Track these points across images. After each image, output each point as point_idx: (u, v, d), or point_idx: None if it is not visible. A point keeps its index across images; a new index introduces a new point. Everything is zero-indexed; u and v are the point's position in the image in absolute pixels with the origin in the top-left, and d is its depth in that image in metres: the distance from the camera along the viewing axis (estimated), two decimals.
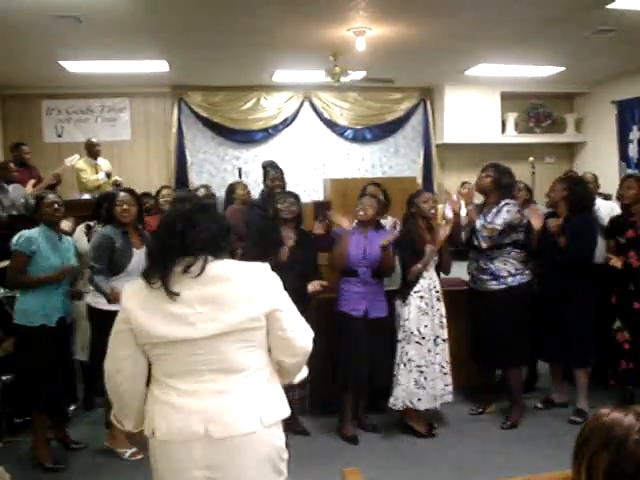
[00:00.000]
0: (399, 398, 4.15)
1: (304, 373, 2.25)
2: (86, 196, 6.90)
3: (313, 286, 4.10)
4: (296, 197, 4.36)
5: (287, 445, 2.11)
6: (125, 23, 5.64)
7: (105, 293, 3.92)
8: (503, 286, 4.32)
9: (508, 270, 4.32)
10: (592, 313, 4.44)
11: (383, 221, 4.53)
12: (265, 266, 2.07)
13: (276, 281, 2.06)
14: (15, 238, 3.88)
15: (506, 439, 4.23)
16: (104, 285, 3.93)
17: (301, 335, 2.08)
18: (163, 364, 1.98)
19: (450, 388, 4.26)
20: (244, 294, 1.95)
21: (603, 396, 4.58)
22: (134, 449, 4.10)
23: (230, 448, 1.92)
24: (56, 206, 3.99)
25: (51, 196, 4.06)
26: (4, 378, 4.31)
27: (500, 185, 4.41)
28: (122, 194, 4.13)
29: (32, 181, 7.04)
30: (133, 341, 1.98)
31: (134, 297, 2.00)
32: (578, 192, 4.49)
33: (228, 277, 1.97)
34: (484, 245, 4.29)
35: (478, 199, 4.69)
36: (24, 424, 4.29)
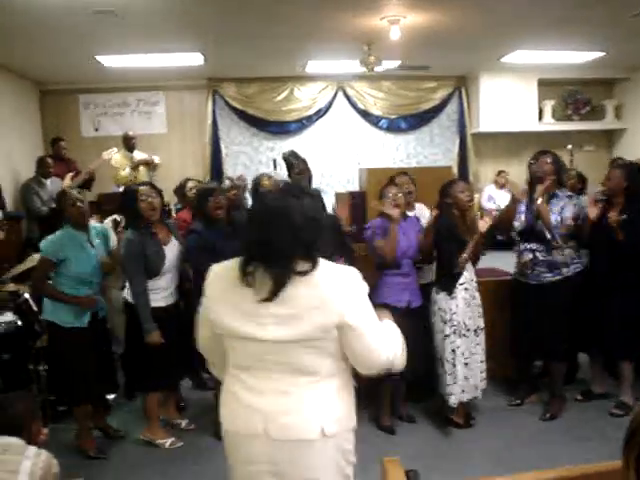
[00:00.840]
0: (457, 394, 4.07)
1: (403, 360, 2.07)
2: (122, 189, 7.02)
3: None
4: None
5: None
6: (160, 16, 5.69)
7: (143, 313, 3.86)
8: (558, 277, 4.24)
9: (565, 261, 4.25)
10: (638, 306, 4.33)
11: (417, 209, 4.53)
12: (352, 272, 1.93)
13: (358, 291, 1.91)
14: (43, 243, 3.85)
15: (545, 431, 4.18)
16: (145, 306, 3.86)
17: (372, 354, 1.93)
18: (234, 355, 1.98)
19: (484, 375, 4.21)
20: (319, 300, 1.85)
21: None
22: (173, 438, 4.17)
23: (289, 450, 1.90)
24: (79, 204, 3.87)
25: (74, 195, 3.93)
26: (46, 367, 4.41)
27: (558, 174, 4.31)
28: (143, 187, 3.98)
29: (70, 174, 7.20)
30: (210, 325, 1.99)
31: (216, 283, 1.98)
32: (638, 181, 4.31)
33: (311, 282, 1.86)
34: (560, 241, 4.18)
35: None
36: (67, 412, 4.37)
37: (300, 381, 1.90)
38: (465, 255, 4.04)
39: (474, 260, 4.29)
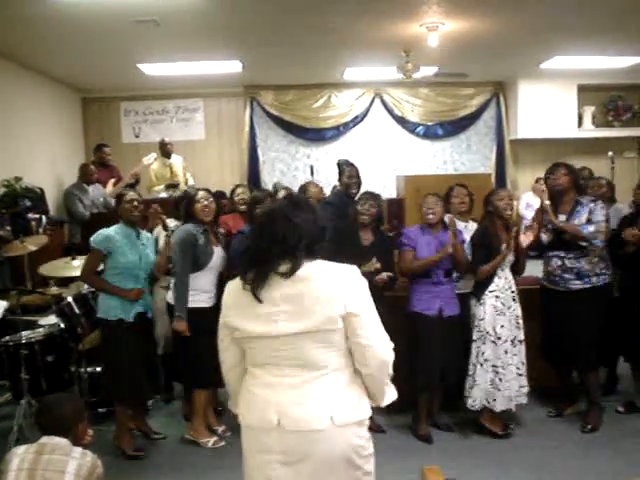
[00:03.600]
0: (477, 398, 4.10)
1: (391, 396, 2.19)
2: (163, 195, 7.13)
3: (381, 278, 4.07)
4: (376, 198, 4.33)
5: None
6: (200, 25, 5.78)
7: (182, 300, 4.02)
8: (588, 285, 4.19)
9: (594, 270, 4.20)
10: None
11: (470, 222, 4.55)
12: (351, 268, 2.08)
13: (358, 285, 2.06)
14: (94, 235, 4.01)
15: (585, 442, 4.11)
16: (183, 294, 4.03)
17: (375, 344, 2.05)
18: (251, 355, 2.13)
19: (525, 390, 4.17)
20: (323, 295, 2.00)
21: None
22: (215, 438, 4.23)
23: (302, 440, 2.02)
24: (135, 203, 4.07)
25: (131, 194, 4.17)
26: (89, 369, 4.50)
27: (576, 183, 4.30)
28: (202, 192, 4.23)
29: (112, 180, 7.36)
30: (229, 335, 2.15)
31: (232, 294, 2.15)
32: None
33: (313, 277, 2.02)
34: (600, 244, 4.15)
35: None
36: (107, 414, 4.46)
37: (310, 375, 2.03)
38: (487, 267, 4.03)
39: (521, 271, 4.27)
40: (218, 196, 5.17)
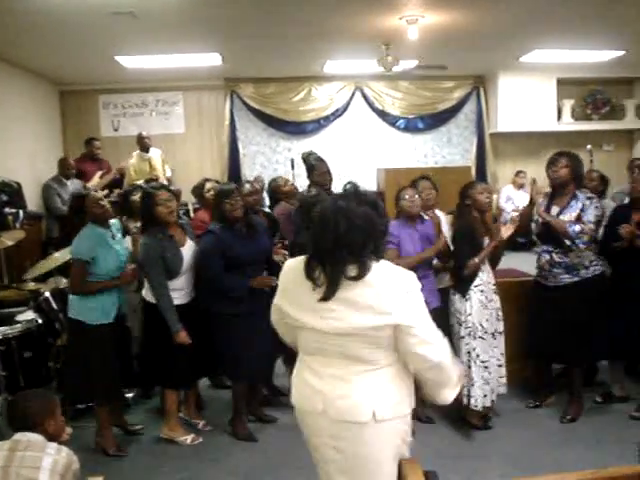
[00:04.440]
0: (478, 397, 4.04)
1: (451, 395, 2.21)
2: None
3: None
4: None
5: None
6: (179, 17, 5.72)
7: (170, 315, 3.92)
8: (576, 279, 4.16)
9: (582, 263, 4.18)
10: None
11: (437, 213, 4.51)
12: (409, 276, 2.06)
13: (412, 294, 2.03)
14: (73, 245, 3.89)
15: (564, 433, 4.15)
16: (170, 309, 3.92)
17: (430, 351, 2.05)
18: (301, 341, 2.21)
19: (504, 380, 4.19)
20: (373, 303, 1.99)
21: None
22: (193, 435, 4.19)
23: (345, 429, 2.10)
24: (101, 203, 3.92)
25: (94, 195, 4.02)
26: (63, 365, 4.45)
27: (577, 175, 4.20)
28: (162, 193, 3.98)
29: (99, 172, 7.32)
30: (281, 317, 2.26)
31: (289, 275, 2.21)
32: None
33: (371, 283, 2.00)
34: (583, 247, 4.09)
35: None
36: (86, 410, 4.41)
37: (356, 369, 2.07)
38: (476, 260, 4.03)
39: (493, 263, 4.27)
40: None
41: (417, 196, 4.19)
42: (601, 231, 4.39)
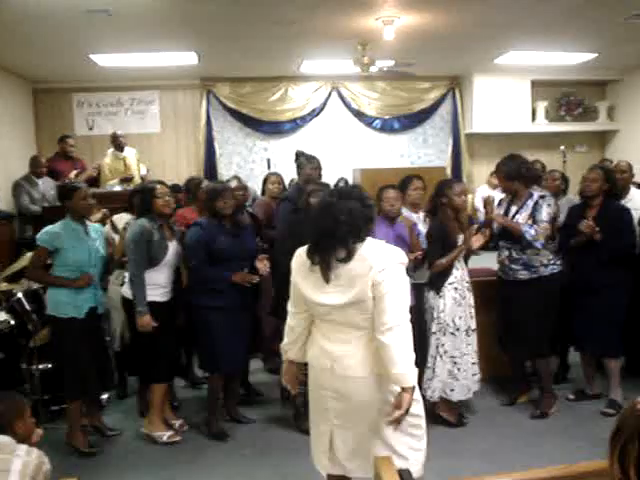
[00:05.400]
0: (436, 389, 4.15)
1: (405, 373, 2.39)
2: (117, 188, 7.01)
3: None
4: (328, 187, 4.33)
5: None
6: (154, 15, 5.67)
7: (139, 295, 3.97)
8: (534, 275, 4.27)
9: (540, 260, 4.27)
10: (624, 304, 4.37)
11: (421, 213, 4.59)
12: (394, 250, 2.47)
13: (393, 262, 2.41)
14: (40, 233, 3.94)
15: (537, 430, 4.20)
16: (140, 290, 3.98)
17: (391, 313, 2.36)
18: (314, 311, 2.61)
19: (478, 377, 4.24)
20: (362, 271, 2.39)
21: (638, 387, 4.52)
22: (170, 432, 4.18)
23: (348, 384, 2.51)
24: (90, 200, 4.06)
25: (84, 189, 4.08)
26: (41, 367, 4.40)
27: (520, 175, 4.33)
28: (161, 187, 4.16)
29: (74, 171, 7.22)
30: (295, 291, 2.65)
31: (297, 259, 2.60)
32: (615, 182, 4.45)
33: (359, 257, 2.41)
34: (540, 246, 4.21)
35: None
36: (60, 411, 4.38)
37: (357, 333, 2.51)
38: (443, 261, 4.08)
39: (466, 258, 4.33)
40: (175, 190, 5.09)
41: (399, 198, 4.25)
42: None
